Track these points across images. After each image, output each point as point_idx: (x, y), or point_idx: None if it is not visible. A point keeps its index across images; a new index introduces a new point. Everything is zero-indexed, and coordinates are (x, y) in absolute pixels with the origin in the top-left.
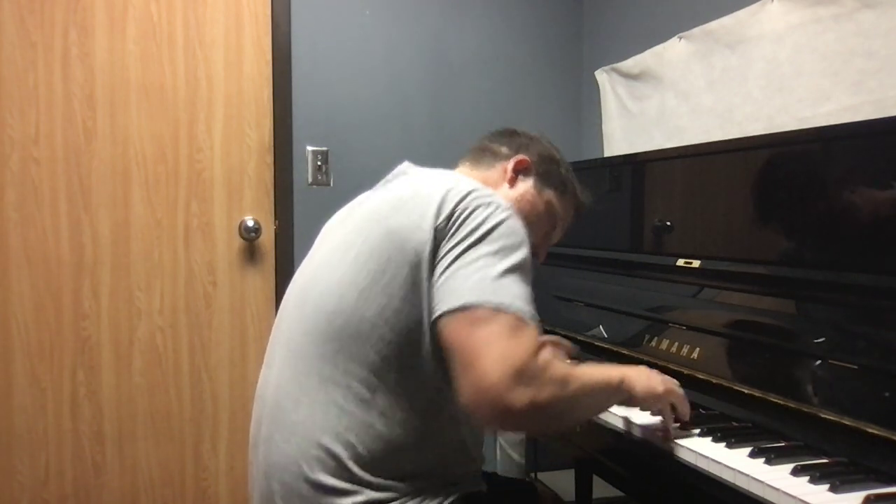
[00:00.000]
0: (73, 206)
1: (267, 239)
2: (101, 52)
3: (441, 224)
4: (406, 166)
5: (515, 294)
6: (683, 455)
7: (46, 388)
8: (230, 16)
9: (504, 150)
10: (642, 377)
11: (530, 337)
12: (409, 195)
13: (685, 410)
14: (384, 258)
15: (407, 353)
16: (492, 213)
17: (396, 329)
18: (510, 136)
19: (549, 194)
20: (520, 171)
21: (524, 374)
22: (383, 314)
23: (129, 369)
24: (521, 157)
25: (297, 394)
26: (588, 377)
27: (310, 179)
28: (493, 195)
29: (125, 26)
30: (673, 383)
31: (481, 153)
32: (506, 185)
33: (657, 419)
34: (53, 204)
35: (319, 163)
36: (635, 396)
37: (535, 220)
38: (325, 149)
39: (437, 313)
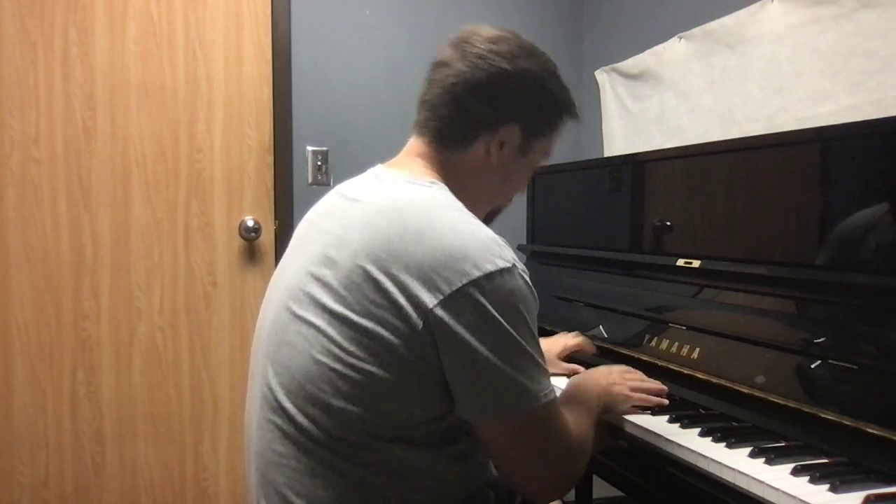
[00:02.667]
0: (73, 206)
1: (267, 239)
2: (101, 52)
3: (425, 317)
4: (377, 170)
5: (535, 375)
6: (683, 455)
7: (46, 388)
8: (230, 16)
9: (488, 112)
10: (611, 390)
11: (561, 421)
12: (381, 255)
13: (657, 389)
14: (357, 331)
15: (391, 423)
16: (487, 315)
17: (373, 406)
18: (491, 79)
19: (542, 143)
20: (505, 143)
21: (571, 464)
22: (358, 391)
23: (129, 369)
24: (511, 126)
25: (278, 459)
26: (587, 415)
27: (310, 179)
28: (474, 267)
29: (125, 26)
30: (630, 376)
31: (451, 120)
32: (487, 166)
33: (650, 416)
34: (53, 204)
35: (319, 163)
36: (613, 406)
37: (520, 179)
38: (325, 149)
39: (464, 414)
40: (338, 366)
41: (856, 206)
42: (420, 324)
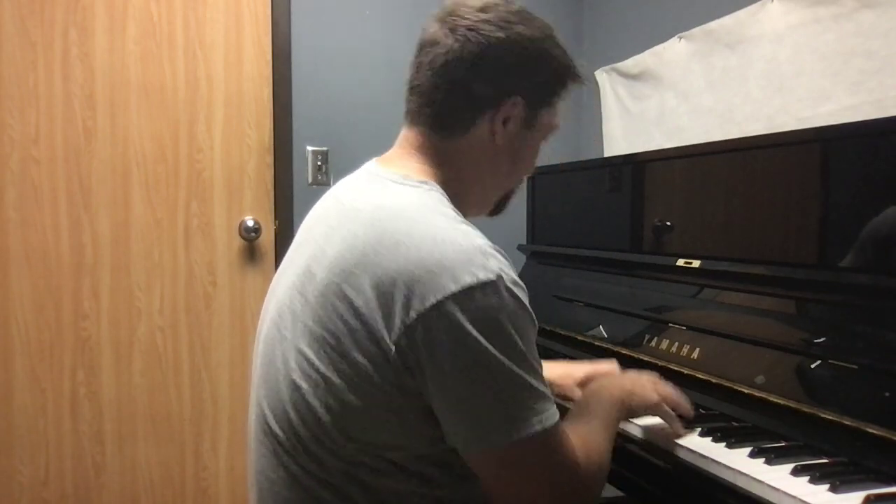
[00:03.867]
0: (73, 206)
1: (267, 239)
2: (101, 52)
3: (397, 338)
4: (370, 167)
5: (525, 401)
6: (683, 455)
7: (46, 388)
8: (230, 16)
9: (488, 89)
10: (636, 392)
11: (565, 448)
12: (354, 270)
13: (685, 409)
14: (334, 353)
15: (373, 454)
16: (464, 334)
17: (354, 435)
18: (486, 52)
19: (546, 114)
20: (510, 118)
21: (582, 493)
22: (338, 419)
23: (129, 369)
24: (514, 100)
25: (270, 486)
26: (602, 429)
27: (310, 179)
28: (455, 287)
29: (125, 26)
30: (664, 387)
31: (448, 102)
32: (493, 148)
33: (657, 420)
34: (53, 204)
35: (319, 163)
36: (635, 413)
37: (532, 154)
38: (325, 149)
39: (457, 446)
40: (318, 392)
41: (856, 206)
42: (392, 348)
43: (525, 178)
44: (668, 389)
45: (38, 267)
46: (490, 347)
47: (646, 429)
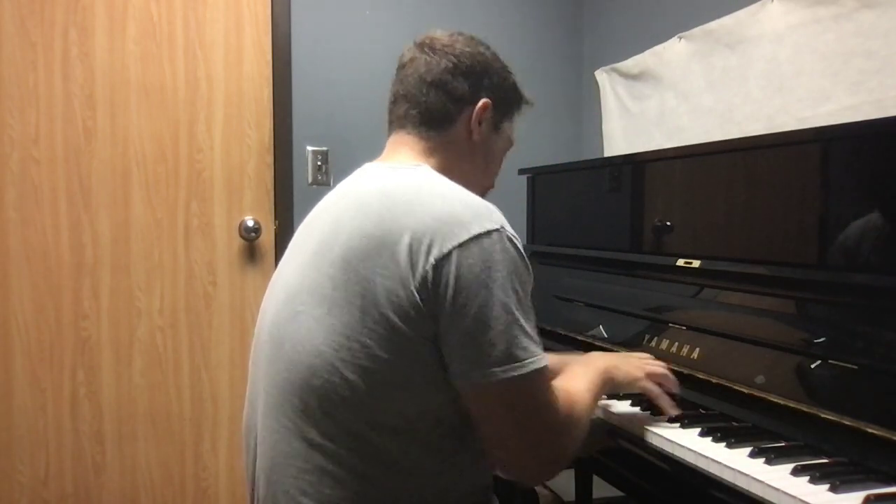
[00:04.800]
0: (73, 206)
1: (267, 239)
2: (101, 52)
3: (419, 284)
4: (364, 167)
5: (521, 341)
6: (683, 455)
7: (46, 388)
8: (230, 16)
9: (464, 87)
10: (621, 367)
11: (551, 393)
12: (375, 232)
13: (671, 383)
14: (359, 313)
15: (401, 418)
16: (475, 276)
17: (384, 393)
18: (461, 60)
19: (507, 126)
20: (483, 118)
21: (561, 441)
22: (366, 379)
23: (129, 369)
24: (485, 100)
25: (284, 459)
26: (585, 390)
27: (310, 179)
28: (465, 230)
29: (125, 26)
30: (652, 365)
31: (433, 100)
32: (471, 144)
33: (636, 409)
34: (53, 204)
35: (319, 163)
36: (621, 385)
37: (499, 158)
38: (325, 149)
39: (457, 382)
40: (342, 353)
41: (856, 206)
42: (416, 295)
43: (492, 186)
44: (654, 367)
45: (38, 267)
46: (494, 289)
47: (646, 428)
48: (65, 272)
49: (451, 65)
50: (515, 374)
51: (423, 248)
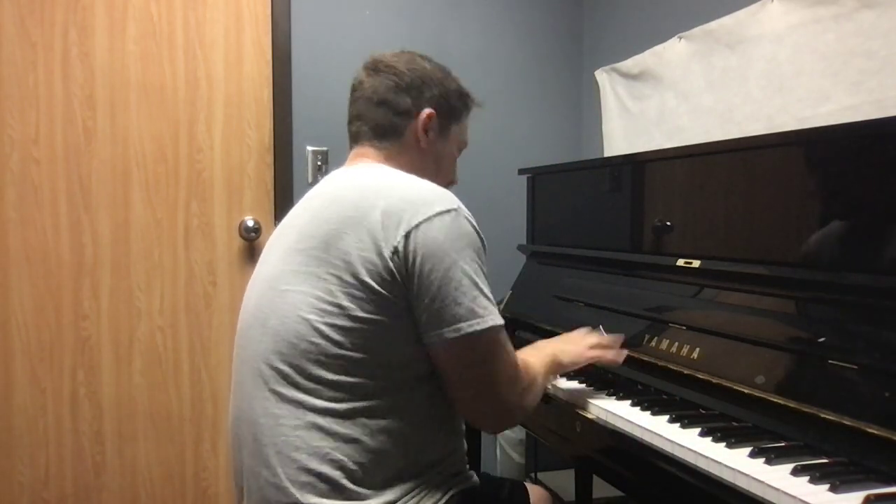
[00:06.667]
0: (73, 206)
1: (267, 239)
2: (101, 52)
3: (391, 252)
4: (328, 175)
5: (479, 301)
6: (683, 455)
7: (46, 388)
8: (230, 16)
9: (407, 102)
10: (566, 349)
11: (508, 350)
12: (351, 214)
13: (617, 339)
14: (339, 281)
15: (380, 370)
16: (438, 246)
17: (365, 348)
18: (402, 78)
19: (455, 129)
20: (428, 127)
21: (524, 389)
22: (349, 337)
23: (129, 369)
24: (428, 111)
25: (274, 422)
26: (540, 364)
27: (310, 179)
28: (428, 207)
29: (125, 26)
30: (591, 337)
31: (381, 117)
32: (420, 151)
33: (582, 385)
34: (53, 204)
35: (319, 163)
36: (572, 363)
37: (450, 160)
38: (325, 149)
39: (427, 337)
40: (326, 318)
41: (856, 206)
42: (389, 261)
43: (453, 179)
44: (594, 338)
45: (38, 267)
46: (456, 257)
47: (646, 428)
48: (65, 272)
49: (391, 83)
50: (479, 327)
51: (394, 222)
